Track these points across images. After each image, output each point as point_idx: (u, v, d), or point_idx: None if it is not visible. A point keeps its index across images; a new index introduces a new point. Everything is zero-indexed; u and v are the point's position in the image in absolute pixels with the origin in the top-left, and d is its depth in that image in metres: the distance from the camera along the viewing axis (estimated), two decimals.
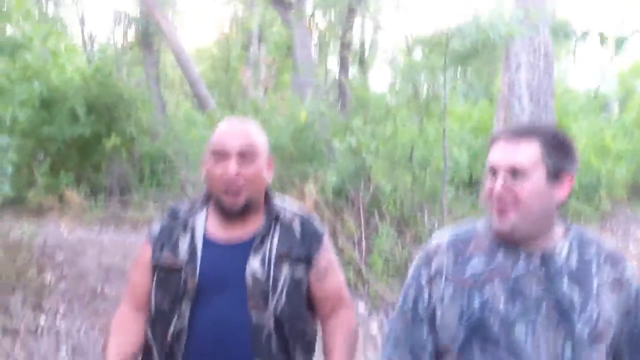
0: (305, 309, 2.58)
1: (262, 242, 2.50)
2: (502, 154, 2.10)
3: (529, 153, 2.06)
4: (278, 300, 2.45)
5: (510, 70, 9.38)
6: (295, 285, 2.50)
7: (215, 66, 27.48)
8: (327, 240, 2.67)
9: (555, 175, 2.08)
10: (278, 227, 2.56)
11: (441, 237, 2.30)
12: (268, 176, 2.57)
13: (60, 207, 12.88)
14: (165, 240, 2.55)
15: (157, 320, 2.50)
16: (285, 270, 2.48)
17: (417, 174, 9.63)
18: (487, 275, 2.13)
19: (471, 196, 11.02)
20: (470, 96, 21.25)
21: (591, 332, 2.04)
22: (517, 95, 9.10)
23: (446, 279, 2.18)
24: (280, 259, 2.49)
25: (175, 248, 2.51)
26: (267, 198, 2.62)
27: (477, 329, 2.09)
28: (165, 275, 2.49)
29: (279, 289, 2.46)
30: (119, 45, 24.64)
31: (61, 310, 6.63)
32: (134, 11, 23.57)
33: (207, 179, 2.51)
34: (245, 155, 2.45)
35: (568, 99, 17.27)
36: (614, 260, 2.16)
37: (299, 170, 10.21)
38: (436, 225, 8.58)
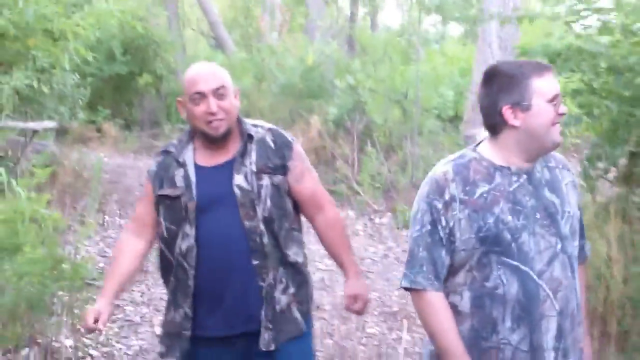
0: (290, 210, 2.90)
1: (242, 159, 2.81)
2: (557, 84, 2.35)
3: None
4: (264, 206, 2.78)
5: (484, 16, 10.95)
6: (276, 190, 2.82)
7: (234, 5, 27.92)
8: (298, 148, 2.96)
9: None
10: (254, 145, 2.85)
11: (444, 166, 2.41)
12: (237, 105, 2.88)
13: (98, 137, 14.59)
14: (163, 175, 2.87)
15: (170, 240, 2.84)
16: (265, 180, 2.80)
17: (408, 109, 11.32)
18: (493, 197, 2.33)
19: (455, 129, 12.53)
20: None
21: (570, 228, 2.38)
22: (488, 42, 10.69)
23: (460, 202, 2.33)
24: (260, 171, 2.80)
25: (172, 180, 2.83)
26: (240, 123, 2.90)
27: (494, 243, 2.30)
28: (169, 203, 2.82)
29: (262, 196, 2.78)
30: None
31: (118, 212, 8.60)
32: None
33: (190, 118, 2.84)
34: (219, 93, 2.77)
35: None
36: (566, 166, 2.51)
37: (306, 104, 12.04)
38: (417, 152, 10.37)
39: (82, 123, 12.99)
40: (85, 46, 8.07)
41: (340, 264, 2.98)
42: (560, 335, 2.35)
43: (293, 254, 2.87)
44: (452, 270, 2.39)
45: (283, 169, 2.86)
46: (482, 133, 7.26)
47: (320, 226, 2.97)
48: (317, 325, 4.13)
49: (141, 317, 5.52)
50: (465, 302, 2.37)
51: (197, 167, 2.84)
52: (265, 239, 2.77)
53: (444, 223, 2.34)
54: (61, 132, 11.16)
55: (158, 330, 5.10)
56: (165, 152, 2.93)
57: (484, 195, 2.33)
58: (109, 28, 13.63)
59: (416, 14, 12.57)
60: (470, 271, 2.35)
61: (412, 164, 10.04)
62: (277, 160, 2.85)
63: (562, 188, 2.42)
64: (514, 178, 2.36)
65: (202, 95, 2.77)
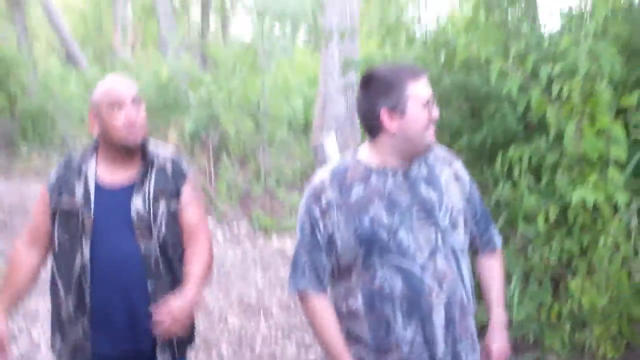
0: (181, 237, 2.90)
1: (142, 184, 2.82)
2: (428, 87, 2.41)
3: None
4: (159, 230, 2.80)
5: (326, 30, 11.71)
6: (171, 216, 2.84)
7: (84, 20, 27.48)
8: (192, 177, 2.98)
9: None
10: (154, 170, 2.87)
11: (322, 174, 2.50)
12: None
13: None
14: (62, 185, 2.83)
15: (61, 256, 2.81)
16: (162, 206, 2.82)
17: (259, 120, 11.94)
18: (368, 197, 2.41)
19: (306, 137, 13.18)
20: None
21: (450, 220, 2.45)
22: (330, 53, 11.41)
23: (337, 207, 2.41)
24: (157, 196, 2.82)
25: (72, 192, 2.80)
26: (143, 145, 2.89)
27: (372, 242, 2.37)
28: (65, 216, 2.79)
29: (158, 221, 2.80)
30: None
31: None
32: None
33: (106, 130, 2.78)
34: (135, 101, 2.78)
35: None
36: (447, 159, 2.60)
37: (163, 118, 12.45)
38: (269, 161, 11.05)
39: None
40: None
41: (187, 281, 2.81)
42: (448, 324, 2.43)
43: (182, 283, 2.82)
44: (344, 274, 2.48)
45: (177, 196, 2.88)
46: (329, 140, 7.92)
47: (186, 257, 2.88)
48: None
49: (18, 329, 5.75)
50: (359, 304, 2.44)
51: (97, 185, 2.82)
52: (160, 263, 2.80)
53: (322, 228, 2.43)
54: None
55: (38, 340, 5.50)
56: (67, 163, 2.89)
57: (359, 196, 2.41)
58: None
59: (264, 24, 13.12)
60: (358, 273, 2.42)
61: (265, 172, 10.70)
62: (173, 187, 2.87)
63: (441, 182, 2.50)
64: (390, 178, 2.43)
65: (120, 103, 2.75)
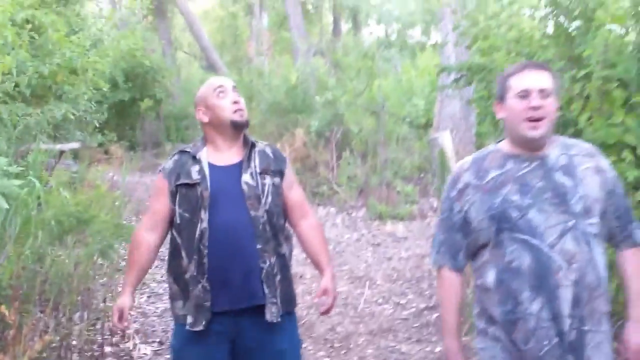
0: (283, 209, 3.26)
1: (248, 162, 3.18)
2: (533, 80, 2.55)
3: (549, 79, 2.57)
4: (266, 200, 3.14)
5: (442, 35, 12.49)
6: (275, 189, 3.19)
7: (222, 27, 28.87)
8: (289, 164, 3.38)
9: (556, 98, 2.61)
10: (256, 152, 3.23)
11: (465, 160, 2.75)
12: None
13: (106, 158, 15.90)
14: (179, 170, 3.16)
15: (183, 228, 3.12)
16: (267, 180, 3.18)
17: (382, 119, 12.89)
18: (502, 180, 2.57)
19: (426, 135, 13.95)
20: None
21: (583, 207, 2.52)
22: (447, 56, 12.16)
23: (473, 189, 2.61)
24: (263, 172, 3.18)
25: (189, 174, 3.13)
26: (244, 131, 3.29)
27: (502, 220, 2.52)
28: (186, 191, 3.11)
29: (265, 192, 3.15)
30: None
31: (133, 218, 10.08)
32: None
33: (215, 111, 3.19)
34: (235, 89, 3.26)
35: None
36: (590, 154, 2.66)
37: (291, 119, 13.61)
38: (389, 157, 11.97)
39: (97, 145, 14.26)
40: (99, 78, 9.66)
41: (317, 264, 3.27)
42: (576, 304, 2.48)
43: (284, 246, 3.22)
44: (478, 251, 2.64)
45: (280, 175, 3.24)
46: (444, 135, 8.76)
47: (303, 230, 3.30)
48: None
49: (163, 290, 6.84)
50: (490, 279, 2.58)
51: (211, 165, 3.15)
52: (267, 227, 3.10)
53: (458, 209, 2.65)
54: (75, 154, 12.45)
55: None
56: (182, 152, 3.24)
57: (494, 179, 2.59)
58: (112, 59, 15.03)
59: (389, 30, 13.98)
60: (491, 251, 2.56)
61: (382, 165, 11.62)
62: (276, 167, 3.23)
63: (578, 172, 2.58)
64: (525, 164, 2.58)
65: (224, 90, 3.21)
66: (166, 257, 3.27)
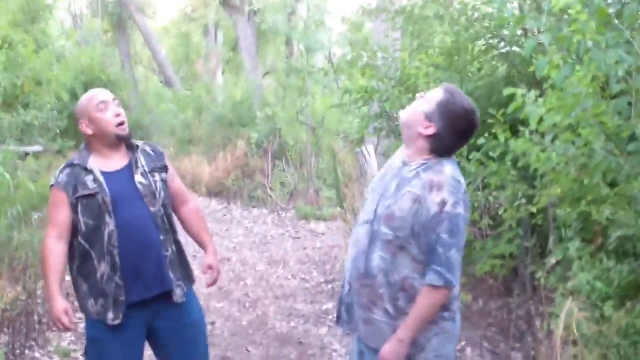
0: (171, 201, 3.55)
1: (136, 164, 3.40)
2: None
3: None
4: (160, 195, 3.41)
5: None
6: (164, 184, 3.47)
7: (181, 44, 29.72)
8: (167, 155, 3.62)
9: None
10: (139, 153, 3.44)
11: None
12: None
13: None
14: (75, 182, 3.28)
15: (90, 234, 3.28)
16: (157, 177, 3.44)
17: (317, 132, 14.32)
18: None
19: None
20: None
21: (385, 212, 2.86)
22: None
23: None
24: (152, 170, 3.44)
25: (85, 184, 3.27)
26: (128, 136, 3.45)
27: None
28: (87, 201, 3.26)
29: (158, 188, 3.41)
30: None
31: None
32: None
33: (99, 125, 3.28)
34: (116, 101, 3.35)
35: None
36: (429, 187, 2.76)
37: (235, 131, 15.07)
38: (320, 167, 13.46)
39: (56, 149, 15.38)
40: (61, 90, 11.02)
41: (200, 243, 3.68)
42: (350, 280, 3.02)
43: (177, 234, 3.55)
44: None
45: (166, 170, 3.53)
46: (367, 148, 10.34)
47: (185, 214, 3.68)
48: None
49: None
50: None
51: (103, 173, 3.31)
52: (165, 220, 3.41)
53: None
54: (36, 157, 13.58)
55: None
56: (71, 165, 3.32)
57: None
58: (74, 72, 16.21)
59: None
60: None
61: (311, 174, 13.14)
62: (159, 163, 3.50)
63: (401, 187, 2.84)
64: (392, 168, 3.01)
65: (106, 103, 3.30)
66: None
